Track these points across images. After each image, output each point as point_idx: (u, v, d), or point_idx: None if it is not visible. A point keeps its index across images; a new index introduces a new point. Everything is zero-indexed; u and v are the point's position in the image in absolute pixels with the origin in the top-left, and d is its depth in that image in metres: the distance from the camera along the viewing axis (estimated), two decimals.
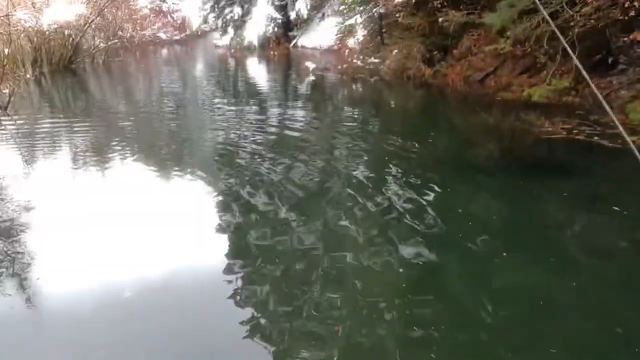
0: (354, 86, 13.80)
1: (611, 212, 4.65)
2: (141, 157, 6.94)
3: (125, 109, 11.19)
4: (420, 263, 3.88)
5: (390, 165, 6.12)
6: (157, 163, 6.70)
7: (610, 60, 9.34)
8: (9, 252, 4.13)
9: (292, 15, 27.94)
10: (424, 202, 4.95)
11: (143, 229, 4.58)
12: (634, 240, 4.19)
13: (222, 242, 4.41)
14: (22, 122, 9.17)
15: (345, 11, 19.42)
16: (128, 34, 24.57)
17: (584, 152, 6.54)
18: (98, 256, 4.08)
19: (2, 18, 10.67)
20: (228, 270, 3.90)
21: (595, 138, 6.88)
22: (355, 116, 9.85)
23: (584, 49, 9.47)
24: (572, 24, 9.08)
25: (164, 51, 30.88)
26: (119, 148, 7.37)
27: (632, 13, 8.09)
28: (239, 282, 3.73)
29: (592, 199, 5.02)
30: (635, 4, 7.94)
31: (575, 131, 7.21)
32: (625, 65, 9.29)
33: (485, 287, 3.60)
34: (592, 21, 8.84)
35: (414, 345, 3.03)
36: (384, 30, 16.49)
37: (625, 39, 8.76)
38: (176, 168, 6.46)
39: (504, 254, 3.97)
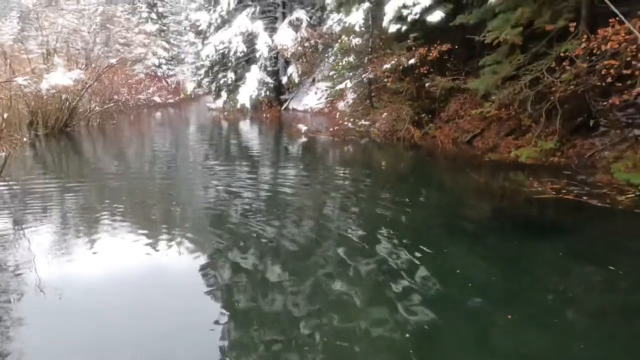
0: (345, 147, 14.09)
1: (607, 271, 4.66)
2: (131, 218, 6.89)
3: (118, 171, 11.23)
4: (419, 326, 3.79)
5: (383, 226, 6.13)
6: (147, 224, 6.64)
7: (591, 123, 9.72)
8: None
9: (284, 79, 28.99)
10: (419, 263, 4.92)
11: (130, 292, 4.49)
12: (633, 300, 4.17)
13: (211, 305, 4.29)
14: (16, 185, 9.14)
15: (335, 76, 20.20)
16: (123, 98, 25.16)
17: (575, 211, 6.64)
18: (83, 323, 3.96)
19: (2, 83, 10.92)
20: (218, 334, 3.79)
21: (584, 198, 7.02)
22: (347, 176, 9.99)
23: (566, 112, 9.89)
24: (553, 89, 9.53)
25: (158, 114, 31.53)
26: (109, 209, 7.33)
27: (609, 79, 8.52)
28: (228, 346, 3.63)
29: (587, 258, 5.04)
30: (612, 71, 8.38)
31: (564, 191, 7.35)
32: (606, 128, 9.66)
33: (489, 352, 3.51)
34: (572, 87, 9.29)
35: None
36: (373, 94, 17.12)
37: (605, 103, 9.16)
38: (166, 229, 6.41)
39: (509, 316, 3.90)
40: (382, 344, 3.61)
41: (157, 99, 37.32)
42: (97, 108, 20.74)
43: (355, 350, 3.53)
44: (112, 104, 22.13)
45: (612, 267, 4.71)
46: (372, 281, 4.66)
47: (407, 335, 3.69)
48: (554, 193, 7.28)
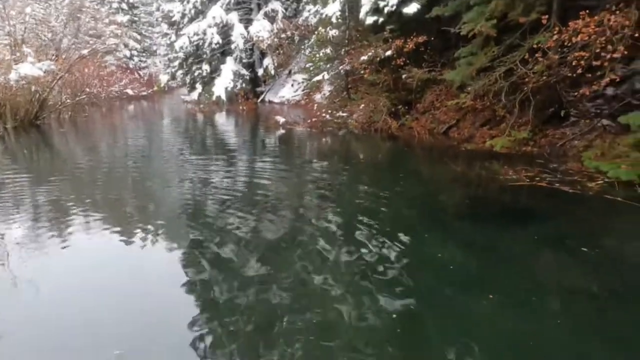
0: (323, 139, 14.11)
1: (579, 253, 4.83)
2: (106, 211, 6.76)
3: (90, 164, 10.98)
4: (400, 315, 3.85)
5: (362, 215, 6.18)
6: (122, 217, 6.54)
7: (562, 113, 9.99)
8: None
9: (260, 71, 28.78)
10: (398, 251, 4.99)
11: (106, 287, 4.42)
12: (605, 280, 4.34)
13: (189, 298, 4.26)
14: None
15: (311, 68, 20.17)
16: (95, 90, 24.54)
17: (547, 198, 6.83)
18: (59, 317, 3.91)
19: None
20: (196, 327, 3.76)
21: (557, 185, 7.24)
22: (325, 168, 10.01)
23: (538, 102, 10.14)
24: (526, 80, 9.75)
25: (131, 107, 30.88)
26: (83, 203, 7.18)
27: (579, 71, 8.76)
28: (208, 339, 3.60)
29: (560, 242, 5.21)
30: (582, 62, 8.61)
31: (537, 178, 7.56)
32: (577, 118, 9.95)
33: (469, 334, 3.60)
34: (544, 78, 9.51)
35: None
36: (350, 86, 17.17)
37: (575, 93, 9.42)
38: (141, 222, 6.30)
39: (490, 296, 4.02)
40: (364, 333, 3.64)
41: (129, 91, 36.55)
42: (68, 100, 20.19)
43: (337, 340, 3.55)
44: (83, 96, 21.56)
45: (584, 249, 4.89)
46: (352, 271, 4.69)
47: (389, 323, 3.75)
48: (528, 181, 7.48)
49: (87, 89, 22.40)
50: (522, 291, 4.15)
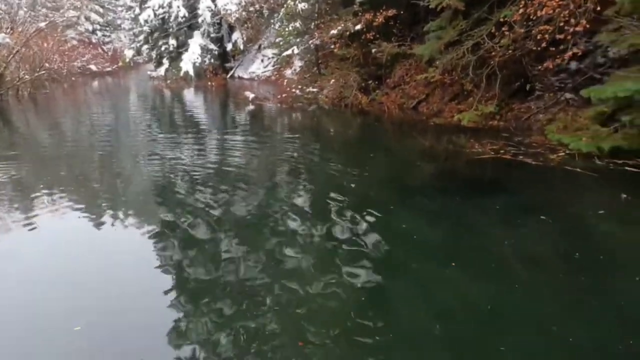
0: (293, 114, 14.01)
1: (540, 222, 5.01)
2: (72, 191, 6.59)
3: (53, 142, 10.62)
4: (367, 286, 3.93)
5: (332, 191, 6.20)
6: (89, 197, 6.38)
7: (528, 87, 10.19)
8: None
9: (229, 46, 28.13)
10: (367, 225, 5.06)
11: (76, 268, 4.34)
12: (564, 247, 4.53)
13: (162, 277, 4.20)
14: None
15: (281, 43, 19.86)
16: (55, 66, 23.54)
17: (512, 169, 7.03)
18: (28, 298, 3.83)
19: None
20: (169, 305, 3.73)
21: (520, 157, 7.44)
22: (296, 143, 9.98)
23: (504, 77, 10.29)
24: (493, 54, 9.86)
25: (95, 83, 29.83)
26: (47, 182, 6.96)
27: (544, 44, 8.91)
28: (183, 318, 3.57)
29: (522, 211, 5.39)
30: (546, 36, 8.76)
31: (502, 151, 7.75)
32: (541, 92, 10.17)
33: (433, 303, 3.72)
34: (510, 51, 9.65)
35: None
36: (320, 61, 17.01)
37: (540, 67, 9.60)
38: (110, 202, 6.18)
39: (452, 264, 4.15)
40: (334, 307, 3.69)
41: (93, 67, 35.26)
42: (26, 76, 19.32)
43: (307, 312, 3.60)
44: (43, 72, 20.67)
45: (543, 217, 5.08)
46: (323, 247, 4.74)
47: (357, 294, 3.83)
48: (493, 154, 7.66)
49: (47, 65, 21.47)
50: (484, 259, 4.29)
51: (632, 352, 3.06)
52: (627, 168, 6.63)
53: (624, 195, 5.62)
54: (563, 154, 7.46)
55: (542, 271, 4.12)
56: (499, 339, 3.23)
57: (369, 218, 5.22)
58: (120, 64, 40.70)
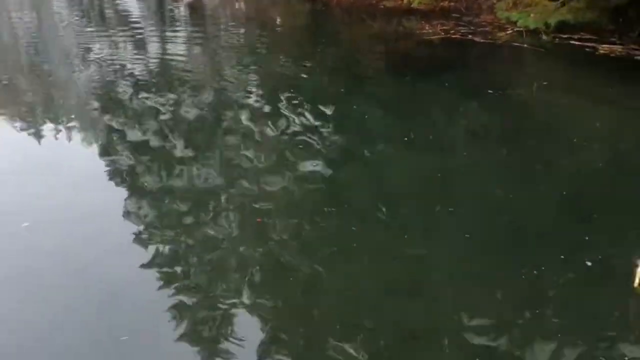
0: (236, 5, 13.07)
1: (488, 96, 5.18)
2: (1, 104, 6.02)
3: None
4: (322, 176, 3.97)
5: (282, 87, 5.95)
6: (23, 109, 5.82)
7: None
8: None
9: None
10: (320, 117, 5.01)
11: (23, 186, 3.96)
12: (508, 118, 4.78)
13: (116, 190, 4.03)
14: None
15: None
16: None
17: (461, 49, 7.07)
18: None
19: None
20: (127, 216, 3.60)
21: (470, 36, 7.45)
22: (242, 37, 9.45)
23: None
24: None
25: None
26: None
27: None
28: (140, 225, 3.48)
29: (471, 88, 5.53)
30: None
31: (452, 31, 7.69)
32: None
33: (383, 176, 3.86)
34: None
35: (323, 256, 3.10)
36: None
37: None
38: (48, 113, 5.66)
39: (405, 138, 4.29)
40: (291, 199, 3.75)
41: None
42: None
43: (266, 207, 3.61)
44: None
45: (490, 92, 5.26)
46: (277, 143, 4.66)
47: (314, 186, 3.88)
48: (443, 34, 7.60)
49: None
50: (433, 134, 4.43)
51: (566, 201, 3.40)
52: (571, 42, 6.78)
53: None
54: (511, 31, 7.48)
55: (490, 142, 4.33)
56: (449, 202, 3.42)
57: (322, 109, 5.17)
58: None
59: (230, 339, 2.47)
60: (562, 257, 2.86)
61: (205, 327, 2.58)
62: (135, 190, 3.99)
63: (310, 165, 4.15)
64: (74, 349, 2.39)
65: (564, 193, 3.49)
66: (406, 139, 4.34)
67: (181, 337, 2.48)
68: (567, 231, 3.12)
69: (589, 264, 2.77)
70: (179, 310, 2.63)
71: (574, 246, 2.94)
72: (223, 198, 3.80)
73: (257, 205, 3.63)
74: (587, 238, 3.04)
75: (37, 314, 2.60)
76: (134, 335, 2.45)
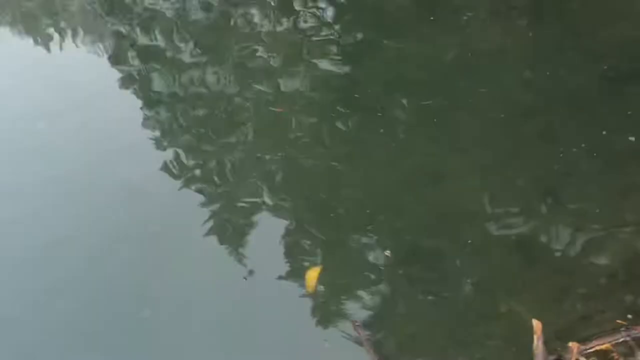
0: None
1: None
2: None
3: None
4: (338, 73, 3.85)
5: None
6: (24, 17, 5.62)
7: None
8: None
9: None
10: (334, 10, 4.71)
11: (32, 100, 3.96)
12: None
13: (128, 96, 4.01)
14: None
15: None
16: None
17: None
18: None
19: None
20: (144, 122, 3.63)
21: None
22: None
23: None
24: None
25: None
26: None
27: None
28: (155, 130, 3.51)
29: None
30: None
31: None
32: None
33: (402, 74, 3.69)
34: None
35: (343, 153, 3.08)
36: None
37: None
38: (50, 20, 5.41)
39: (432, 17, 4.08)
40: (307, 102, 3.65)
41: None
42: None
43: (283, 105, 3.57)
44: None
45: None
46: (292, 41, 4.42)
47: (331, 85, 3.77)
48: None
49: None
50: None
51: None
52: None
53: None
54: None
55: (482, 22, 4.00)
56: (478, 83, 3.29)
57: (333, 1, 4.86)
58: None
59: (253, 231, 2.57)
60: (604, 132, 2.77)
61: (229, 225, 2.66)
62: (146, 97, 3.99)
63: (324, 63, 3.96)
64: (106, 244, 2.52)
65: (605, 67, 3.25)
66: (432, 17, 4.13)
67: (209, 232, 2.57)
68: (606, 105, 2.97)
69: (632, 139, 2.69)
70: (203, 208, 2.72)
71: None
72: (233, 103, 3.73)
73: (272, 108, 3.60)
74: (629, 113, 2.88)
75: (70, 215, 2.74)
76: (165, 229, 2.55)
